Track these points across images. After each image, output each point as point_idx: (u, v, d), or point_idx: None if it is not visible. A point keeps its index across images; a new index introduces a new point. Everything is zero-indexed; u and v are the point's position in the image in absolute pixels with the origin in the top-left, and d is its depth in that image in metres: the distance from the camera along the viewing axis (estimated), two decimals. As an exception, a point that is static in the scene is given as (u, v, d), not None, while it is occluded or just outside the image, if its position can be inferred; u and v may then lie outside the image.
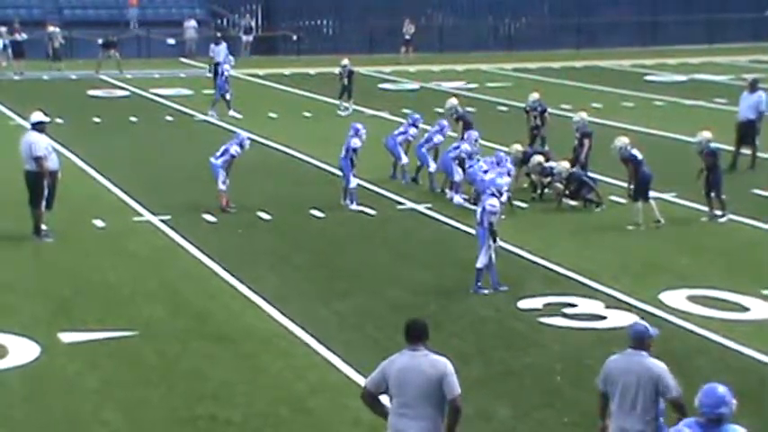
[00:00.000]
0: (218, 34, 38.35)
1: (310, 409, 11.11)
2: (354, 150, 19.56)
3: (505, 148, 21.01)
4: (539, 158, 20.39)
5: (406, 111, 27.09)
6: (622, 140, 18.65)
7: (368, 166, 20.71)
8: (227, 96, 30.28)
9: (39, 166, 17.09)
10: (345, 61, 31.55)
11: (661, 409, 8.52)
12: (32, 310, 14.13)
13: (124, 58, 41.48)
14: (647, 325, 8.80)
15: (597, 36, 52.44)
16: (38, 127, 17.43)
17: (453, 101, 23.41)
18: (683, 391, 8.53)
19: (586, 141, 20.94)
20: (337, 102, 31.15)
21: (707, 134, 19.01)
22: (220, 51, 34.74)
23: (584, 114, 21.93)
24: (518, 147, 21.19)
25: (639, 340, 8.59)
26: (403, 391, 8.22)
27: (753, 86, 24.31)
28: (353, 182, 19.48)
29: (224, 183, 19.15)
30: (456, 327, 13.38)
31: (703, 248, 17.33)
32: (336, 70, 32.16)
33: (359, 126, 20.07)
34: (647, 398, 8.42)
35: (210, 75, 35.15)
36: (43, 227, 17.27)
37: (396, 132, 21.95)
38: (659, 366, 8.47)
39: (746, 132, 23.60)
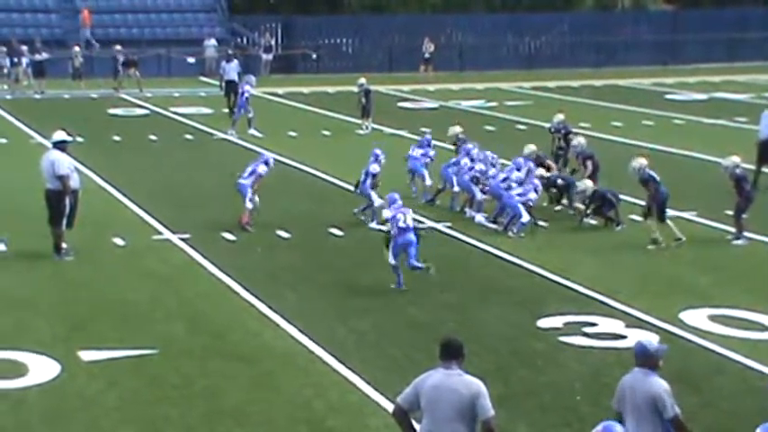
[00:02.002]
0: (230, 51, 38.49)
1: (329, 429, 11.08)
2: (374, 176, 19.74)
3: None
4: (540, 171, 20.38)
5: (424, 129, 27.10)
6: (640, 162, 18.51)
7: (387, 186, 20.70)
8: (249, 115, 30.38)
9: (61, 185, 17.16)
10: (362, 80, 31.60)
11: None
12: (52, 327, 14.17)
13: (144, 76, 41.70)
14: (652, 342, 8.74)
15: (617, 54, 52.43)
16: (60, 146, 17.51)
17: (457, 129, 22.91)
18: (701, 409, 8.48)
19: (589, 164, 20.83)
20: (359, 121, 31.18)
21: (735, 159, 18.75)
22: (231, 69, 34.84)
23: (581, 139, 21.71)
24: (532, 147, 21.08)
25: (643, 358, 8.57)
26: (435, 410, 8.15)
27: (774, 105, 24.21)
28: (377, 201, 19.47)
29: (251, 201, 19.21)
30: (475, 345, 13.31)
31: (724, 267, 17.25)
32: (355, 89, 32.23)
33: (378, 152, 20.27)
34: (652, 416, 8.39)
35: (222, 92, 35.33)
36: (63, 245, 17.34)
37: (419, 154, 21.95)
38: (659, 385, 8.43)
39: (767, 151, 23.51)
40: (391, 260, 15.80)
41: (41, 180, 17.66)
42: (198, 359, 12.96)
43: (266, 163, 19.65)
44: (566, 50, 53.04)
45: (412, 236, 15.84)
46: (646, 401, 8.40)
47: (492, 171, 20.39)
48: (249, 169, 19.58)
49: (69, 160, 17.56)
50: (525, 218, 18.82)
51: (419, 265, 15.82)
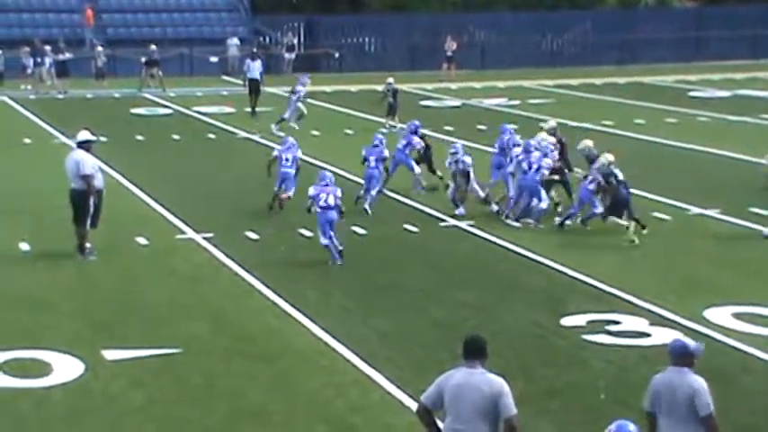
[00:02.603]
0: (254, 50, 38.80)
1: (351, 427, 11.07)
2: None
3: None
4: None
5: (448, 128, 27.07)
6: (585, 143, 19.79)
7: (400, 180, 20.74)
8: (285, 115, 30.52)
9: (86, 185, 17.22)
10: (390, 80, 31.62)
11: None
12: (76, 327, 14.23)
13: (167, 76, 41.83)
14: (689, 341, 8.71)
15: (640, 52, 52.20)
16: (84, 145, 17.57)
17: (458, 146, 22.65)
18: (727, 407, 8.43)
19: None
20: (383, 120, 31.16)
21: None
22: (255, 68, 35.03)
23: (588, 142, 21.35)
24: (588, 143, 20.97)
25: (679, 356, 8.52)
26: (457, 408, 8.15)
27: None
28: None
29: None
30: (497, 344, 13.25)
31: (747, 265, 17.14)
32: (380, 88, 32.21)
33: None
34: (690, 415, 8.33)
35: (246, 90, 35.45)
36: (87, 245, 17.40)
37: (400, 145, 22.26)
38: (697, 382, 8.38)
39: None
40: (322, 240, 16.83)
41: (65, 180, 17.73)
42: (220, 359, 12.98)
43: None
44: (588, 48, 52.85)
45: (333, 214, 16.71)
46: (685, 400, 8.33)
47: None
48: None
49: (94, 160, 17.61)
50: (544, 204, 18.95)
51: (336, 245, 16.76)
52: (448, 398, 8.21)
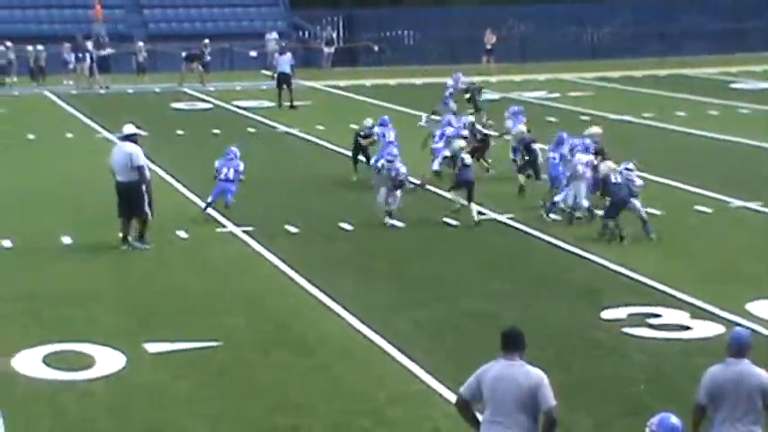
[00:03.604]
0: (283, 44, 39.12)
1: (390, 419, 11.11)
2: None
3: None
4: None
5: (489, 122, 26.97)
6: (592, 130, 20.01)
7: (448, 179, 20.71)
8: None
9: (139, 175, 17.52)
10: (469, 78, 31.78)
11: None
12: (118, 319, 14.36)
13: (207, 71, 42.03)
14: (747, 332, 8.63)
15: (681, 44, 51.76)
16: (132, 138, 17.89)
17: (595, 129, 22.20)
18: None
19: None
20: (422, 114, 30.93)
21: None
22: (284, 62, 35.20)
23: (595, 129, 21.00)
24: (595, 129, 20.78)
25: (740, 348, 8.39)
26: (497, 400, 8.14)
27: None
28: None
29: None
30: (536, 336, 13.21)
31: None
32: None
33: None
34: (755, 408, 8.26)
35: (274, 84, 35.53)
36: (132, 236, 17.55)
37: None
38: (765, 375, 8.31)
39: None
40: (207, 200, 19.24)
41: (107, 173, 17.89)
42: (260, 351, 13.06)
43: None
44: (628, 40, 52.51)
45: (231, 186, 19.52)
46: (754, 391, 8.24)
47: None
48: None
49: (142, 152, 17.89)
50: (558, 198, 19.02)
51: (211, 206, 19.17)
52: (487, 390, 8.20)
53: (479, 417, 8.33)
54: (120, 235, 17.64)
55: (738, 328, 8.97)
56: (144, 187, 17.58)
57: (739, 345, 8.41)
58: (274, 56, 37.04)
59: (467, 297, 15.01)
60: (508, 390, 8.10)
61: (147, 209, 17.55)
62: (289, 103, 34.38)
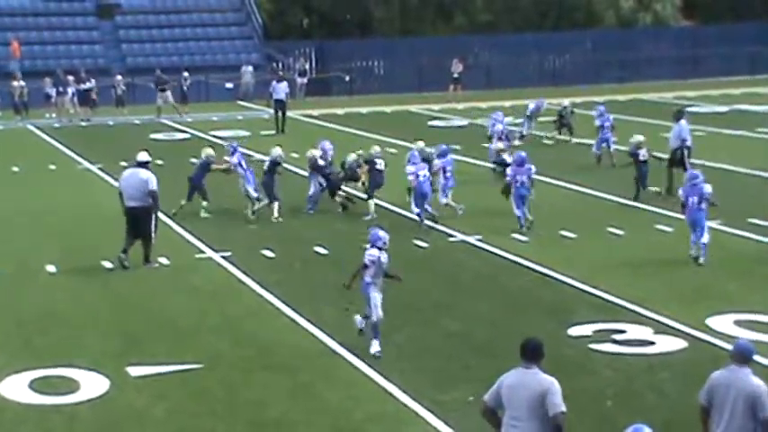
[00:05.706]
0: (281, 72, 41.08)
1: (369, 436, 11.46)
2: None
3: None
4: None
5: (455, 146, 27.58)
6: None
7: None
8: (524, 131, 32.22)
9: (153, 200, 18.34)
10: (566, 102, 33.42)
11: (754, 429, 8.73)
12: (102, 344, 14.67)
13: (185, 102, 42.54)
14: (748, 341, 9.12)
15: (640, 70, 52.91)
16: (145, 165, 18.67)
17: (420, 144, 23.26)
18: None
19: None
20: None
21: None
22: (281, 89, 37.08)
23: (639, 138, 22.17)
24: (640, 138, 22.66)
25: (740, 355, 8.85)
26: (513, 406, 8.71)
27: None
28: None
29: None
30: (507, 354, 13.72)
31: (749, 274, 17.54)
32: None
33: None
34: (744, 415, 8.64)
35: (271, 110, 37.00)
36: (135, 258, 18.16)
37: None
38: (762, 386, 8.71)
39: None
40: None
41: (89, 202, 18.25)
42: (241, 372, 13.39)
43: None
44: (589, 67, 53.50)
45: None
46: (744, 399, 8.62)
47: None
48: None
49: None
50: None
51: None
52: (504, 397, 8.79)
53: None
54: (123, 247, 18.29)
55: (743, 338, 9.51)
56: (154, 212, 18.34)
57: (738, 352, 8.89)
58: (272, 84, 38.24)
59: (440, 319, 15.41)
60: (521, 396, 8.69)
61: (153, 232, 18.29)
62: (275, 128, 36.15)
